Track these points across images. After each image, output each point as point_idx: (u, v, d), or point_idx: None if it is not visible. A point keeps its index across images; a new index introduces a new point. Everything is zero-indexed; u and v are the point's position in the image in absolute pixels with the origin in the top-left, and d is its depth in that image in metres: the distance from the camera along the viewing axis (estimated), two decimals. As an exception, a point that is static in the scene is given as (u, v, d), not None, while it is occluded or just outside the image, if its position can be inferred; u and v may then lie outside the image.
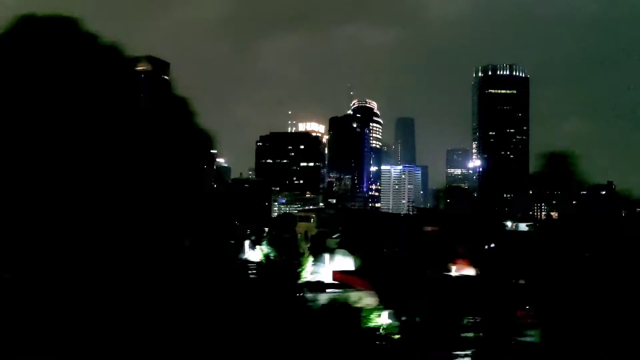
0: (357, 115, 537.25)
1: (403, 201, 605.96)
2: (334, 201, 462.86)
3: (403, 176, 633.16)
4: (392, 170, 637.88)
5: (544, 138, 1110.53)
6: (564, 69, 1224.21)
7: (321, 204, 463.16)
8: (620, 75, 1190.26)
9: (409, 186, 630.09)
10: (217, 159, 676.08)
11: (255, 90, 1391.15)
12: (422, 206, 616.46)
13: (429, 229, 78.43)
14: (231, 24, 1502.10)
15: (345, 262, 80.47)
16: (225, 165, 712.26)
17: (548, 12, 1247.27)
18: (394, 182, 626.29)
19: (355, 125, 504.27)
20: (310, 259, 76.95)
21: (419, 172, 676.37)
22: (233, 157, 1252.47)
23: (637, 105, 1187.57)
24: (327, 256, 77.69)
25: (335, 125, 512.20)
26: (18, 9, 32.93)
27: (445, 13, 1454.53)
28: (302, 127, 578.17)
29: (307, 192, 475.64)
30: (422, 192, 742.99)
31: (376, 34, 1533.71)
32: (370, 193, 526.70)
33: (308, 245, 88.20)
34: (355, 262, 77.74)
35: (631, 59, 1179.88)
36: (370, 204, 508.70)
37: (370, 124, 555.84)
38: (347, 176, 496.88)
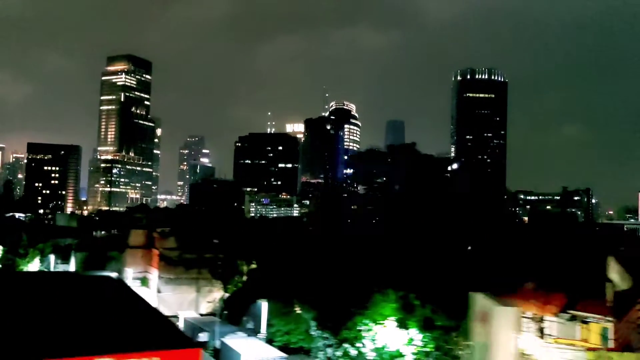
0: (332, 117, 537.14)
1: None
2: (308, 202, 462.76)
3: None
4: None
5: (521, 143, 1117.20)
6: (555, 74, 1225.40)
7: (295, 205, 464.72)
8: (605, 83, 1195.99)
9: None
10: (202, 159, 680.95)
11: (251, 91, 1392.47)
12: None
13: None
14: (230, 24, 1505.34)
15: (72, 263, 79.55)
16: (209, 165, 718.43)
17: (546, 17, 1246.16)
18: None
19: (328, 127, 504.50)
20: (37, 257, 77.19)
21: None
22: (222, 157, 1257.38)
23: (618, 111, 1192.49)
24: (52, 257, 77.40)
25: (310, 126, 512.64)
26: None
27: (444, 17, 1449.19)
28: (289, 128, 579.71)
29: (283, 193, 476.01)
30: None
31: (374, 37, 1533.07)
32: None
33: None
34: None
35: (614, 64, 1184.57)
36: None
37: (348, 126, 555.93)
38: (320, 178, 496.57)
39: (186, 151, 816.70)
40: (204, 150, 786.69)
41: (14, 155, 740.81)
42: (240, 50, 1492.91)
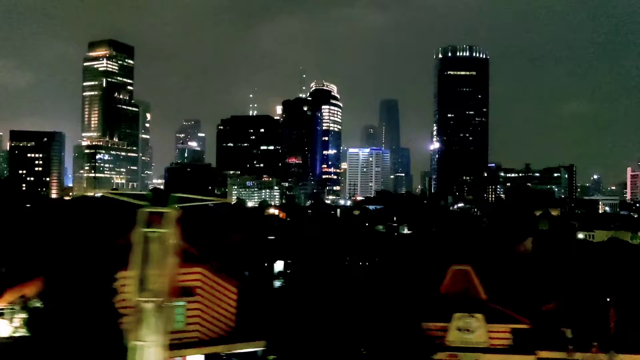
0: (309, 98, 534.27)
1: (370, 184, 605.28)
2: (287, 184, 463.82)
3: (371, 159, 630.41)
4: (360, 152, 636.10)
5: (504, 120, 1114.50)
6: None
7: (275, 187, 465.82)
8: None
9: (376, 169, 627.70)
10: (189, 143, 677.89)
11: (246, 73, 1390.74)
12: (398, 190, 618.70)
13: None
14: (229, 6, 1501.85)
15: None
16: (197, 149, 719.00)
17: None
18: (362, 165, 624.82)
19: (305, 109, 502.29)
20: None
21: (388, 154, 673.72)
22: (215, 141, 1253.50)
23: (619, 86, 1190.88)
24: None
25: (288, 108, 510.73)
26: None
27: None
28: (279, 109, 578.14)
29: (264, 176, 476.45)
30: (403, 174, 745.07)
31: (371, 16, 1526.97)
32: (327, 176, 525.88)
33: None
34: None
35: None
36: (327, 187, 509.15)
37: (328, 106, 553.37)
38: (298, 159, 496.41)
39: (182, 135, 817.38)
40: (199, 134, 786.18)
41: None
42: (236, 33, 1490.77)
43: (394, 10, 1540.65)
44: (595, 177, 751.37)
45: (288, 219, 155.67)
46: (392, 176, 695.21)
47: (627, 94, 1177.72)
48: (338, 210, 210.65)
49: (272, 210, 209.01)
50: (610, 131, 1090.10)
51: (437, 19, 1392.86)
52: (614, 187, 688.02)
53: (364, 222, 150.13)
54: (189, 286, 35.77)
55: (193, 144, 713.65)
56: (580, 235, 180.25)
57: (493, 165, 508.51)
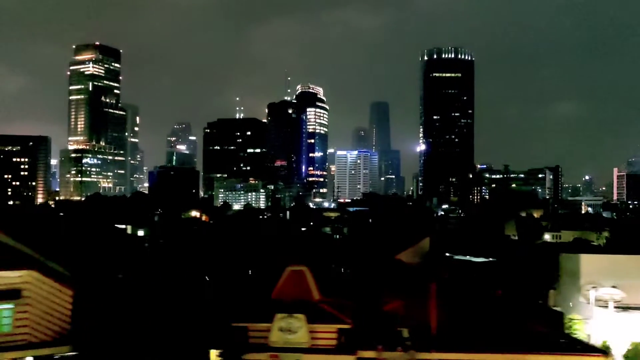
0: (294, 101, 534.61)
1: (358, 186, 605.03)
2: (272, 187, 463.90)
3: (359, 161, 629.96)
4: (348, 155, 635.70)
5: (489, 122, 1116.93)
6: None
7: (261, 190, 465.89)
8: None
9: (364, 171, 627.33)
10: (178, 146, 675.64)
11: (240, 76, 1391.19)
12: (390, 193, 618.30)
13: None
14: (217, 8, 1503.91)
15: None
16: (186, 152, 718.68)
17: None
18: (350, 167, 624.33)
19: (290, 111, 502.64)
20: None
21: (376, 156, 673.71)
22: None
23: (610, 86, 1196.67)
24: None
25: (273, 110, 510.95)
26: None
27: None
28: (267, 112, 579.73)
29: (251, 178, 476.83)
30: (396, 176, 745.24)
31: (364, 18, 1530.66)
32: (313, 179, 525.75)
33: None
34: None
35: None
36: (314, 189, 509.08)
37: (314, 109, 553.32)
38: (283, 162, 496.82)
39: (173, 138, 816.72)
40: (190, 137, 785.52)
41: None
42: (225, 36, 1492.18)
43: (386, 13, 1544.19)
44: (586, 177, 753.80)
45: (211, 222, 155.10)
46: (382, 178, 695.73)
47: (621, 94, 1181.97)
48: (287, 213, 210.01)
49: (193, 213, 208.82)
50: (602, 131, 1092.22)
51: (431, 21, 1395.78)
52: (604, 188, 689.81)
53: (326, 225, 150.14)
54: (17, 288, 35.66)
55: (182, 147, 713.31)
56: (547, 236, 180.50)
57: (484, 166, 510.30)
